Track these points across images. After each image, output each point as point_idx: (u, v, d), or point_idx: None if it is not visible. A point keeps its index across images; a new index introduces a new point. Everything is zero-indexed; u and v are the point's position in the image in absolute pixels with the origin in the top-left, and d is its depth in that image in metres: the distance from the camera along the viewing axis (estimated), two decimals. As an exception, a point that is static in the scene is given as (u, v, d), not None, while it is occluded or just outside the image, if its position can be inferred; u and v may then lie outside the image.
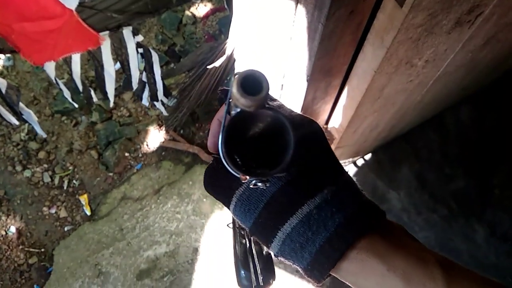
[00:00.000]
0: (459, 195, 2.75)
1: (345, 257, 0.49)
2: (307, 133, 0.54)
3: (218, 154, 0.60)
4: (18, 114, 1.87)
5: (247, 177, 0.48)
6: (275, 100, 0.60)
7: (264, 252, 0.80)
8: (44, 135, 2.54)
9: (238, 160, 0.48)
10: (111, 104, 2.16)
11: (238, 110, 0.45)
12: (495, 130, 2.81)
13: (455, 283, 0.46)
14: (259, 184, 0.48)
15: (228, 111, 0.49)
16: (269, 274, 0.79)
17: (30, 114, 1.97)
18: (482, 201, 2.72)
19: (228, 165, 0.47)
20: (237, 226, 0.84)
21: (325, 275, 0.50)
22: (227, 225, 0.90)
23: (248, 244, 0.80)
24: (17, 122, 1.95)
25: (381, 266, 0.47)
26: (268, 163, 0.48)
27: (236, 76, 0.41)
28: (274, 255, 0.55)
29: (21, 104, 1.84)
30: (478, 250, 2.62)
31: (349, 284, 0.52)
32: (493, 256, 2.59)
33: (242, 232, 0.82)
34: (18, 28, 1.39)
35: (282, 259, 0.54)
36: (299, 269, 0.53)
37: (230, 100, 0.48)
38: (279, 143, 0.47)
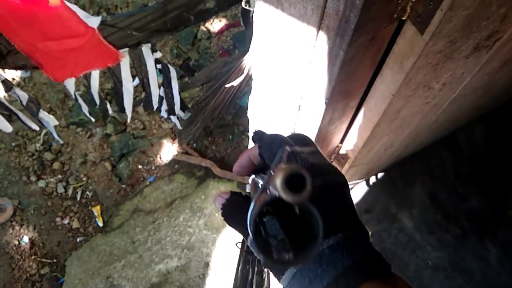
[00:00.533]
0: (472, 214, 2.73)
1: None
2: (332, 181, 0.59)
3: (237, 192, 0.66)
4: (37, 122, 1.93)
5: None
6: (310, 144, 0.64)
7: (263, 287, 0.82)
8: (61, 141, 2.61)
9: (263, 233, 0.51)
10: (129, 120, 2.20)
11: (276, 194, 0.46)
12: (508, 150, 2.80)
13: None
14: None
15: (264, 188, 0.52)
16: None
17: (48, 123, 2.03)
18: (495, 221, 2.70)
19: (252, 246, 0.51)
20: (245, 249, 0.85)
21: None
22: (236, 244, 0.91)
23: (250, 275, 0.81)
24: (37, 128, 2.01)
25: None
26: (292, 237, 0.52)
27: (282, 170, 0.43)
28: (284, 287, 0.58)
29: (40, 113, 1.90)
30: (491, 270, 2.60)
31: None
32: (506, 276, 2.56)
33: (248, 257, 0.83)
34: (42, 47, 1.42)
35: None
36: None
37: (272, 174, 0.50)
38: (306, 223, 0.51)
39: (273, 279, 0.83)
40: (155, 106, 2.17)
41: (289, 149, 0.58)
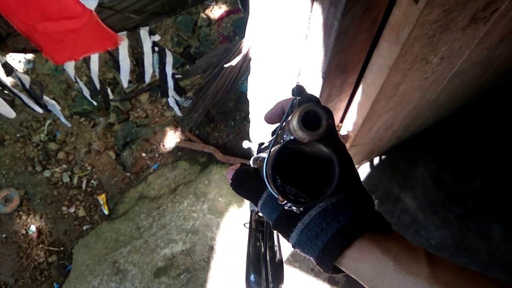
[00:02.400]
0: (475, 194, 2.73)
1: (350, 246, 0.56)
2: (339, 150, 0.63)
3: (248, 164, 0.69)
4: (42, 106, 1.95)
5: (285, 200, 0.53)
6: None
7: (276, 260, 0.84)
8: (69, 125, 2.62)
9: (278, 180, 0.52)
10: (125, 85, 2.21)
11: (292, 137, 0.48)
12: (511, 129, 2.79)
13: (438, 267, 0.51)
14: (294, 208, 0.56)
15: (279, 132, 0.53)
16: (278, 281, 0.83)
17: (54, 106, 2.05)
18: (498, 200, 2.70)
19: (271, 188, 0.53)
20: (254, 228, 0.87)
21: (333, 261, 0.57)
22: (244, 224, 0.93)
23: (263, 249, 0.83)
24: (41, 111, 2.03)
25: (377, 250, 0.54)
26: (306, 185, 0.54)
27: (299, 108, 0.44)
28: (292, 245, 0.62)
29: (45, 97, 1.92)
30: (495, 248, 2.60)
31: (352, 274, 0.58)
32: (511, 254, 2.57)
33: (258, 235, 0.85)
34: (40, 28, 1.43)
35: (298, 249, 0.61)
36: (312, 259, 0.60)
37: (284, 125, 0.52)
38: (319, 169, 0.52)
39: (284, 252, 0.85)
40: (147, 80, 2.20)
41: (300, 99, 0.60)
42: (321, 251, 0.57)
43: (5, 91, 1.74)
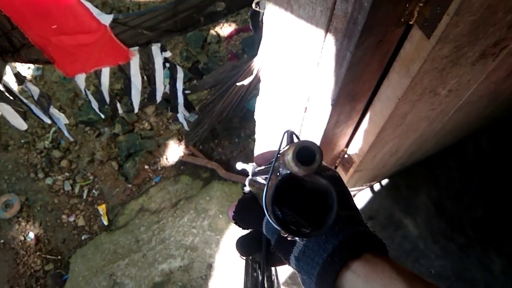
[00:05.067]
0: (477, 224, 2.72)
1: (360, 257, 0.54)
2: (334, 174, 0.66)
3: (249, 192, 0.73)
4: (49, 118, 1.97)
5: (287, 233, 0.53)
6: None
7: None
8: (71, 139, 2.65)
9: (279, 213, 0.53)
10: (136, 110, 2.24)
11: (288, 172, 0.49)
12: (515, 160, 2.79)
13: None
14: (297, 239, 0.55)
15: (274, 169, 0.54)
16: None
17: (59, 119, 2.07)
18: (500, 232, 2.68)
19: (273, 222, 0.52)
20: (250, 258, 0.87)
21: (342, 267, 0.54)
22: (240, 256, 0.92)
23: (260, 278, 0.83)
24: (49, 121, 2.05)
25: (391, 269, 0.52)
26: (305, 215, 0.54)
27: (293, 145, 0.45)
28: (296, 257, 0.59)
29: (51, 110, 1.94)
30: (495, 281, 2.58)
31: None
32: (510, 287, 2.55)
33: (255, 266, 0.85)
34: (55, 41, 1.45)
35: (299, 264, 0.59)
36: (314, 273, 0.56)
37: (279, 156, 0.53)
38: (317, 200, 0.53)
39: (281, 275, 0.84)
40: (158, 99, 2.23)
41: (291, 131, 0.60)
42: (331, 255, 0.55)
43: (17, 102, 1.76)
